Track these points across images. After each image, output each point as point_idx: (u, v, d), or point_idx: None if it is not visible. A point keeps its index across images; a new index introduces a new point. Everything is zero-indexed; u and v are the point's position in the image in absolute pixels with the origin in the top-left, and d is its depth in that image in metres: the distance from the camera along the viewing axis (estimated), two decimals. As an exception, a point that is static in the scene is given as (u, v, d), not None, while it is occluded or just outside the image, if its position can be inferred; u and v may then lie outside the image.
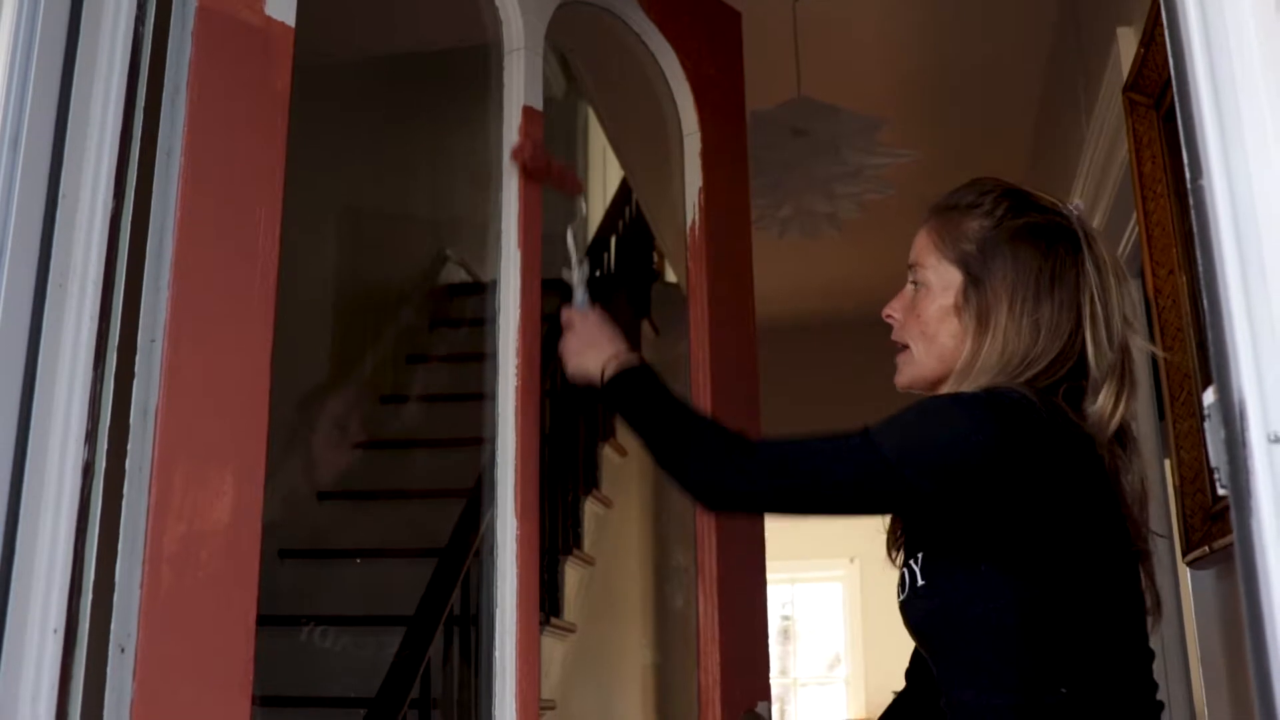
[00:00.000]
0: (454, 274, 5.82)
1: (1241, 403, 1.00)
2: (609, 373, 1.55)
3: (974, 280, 1.42)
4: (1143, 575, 1.40)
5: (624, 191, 5.65)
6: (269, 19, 1.53)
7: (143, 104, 1.41)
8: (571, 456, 4.43)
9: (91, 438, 1.28)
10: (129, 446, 1.34)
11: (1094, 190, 2.93)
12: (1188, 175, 1.07)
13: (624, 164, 4.37)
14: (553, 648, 4.09)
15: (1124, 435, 1.42)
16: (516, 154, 1.84)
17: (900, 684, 1.64)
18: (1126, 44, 2.43)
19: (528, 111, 1.91)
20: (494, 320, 1.82)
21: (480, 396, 5.73)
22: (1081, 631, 1.31)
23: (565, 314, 1.68)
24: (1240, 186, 1.04)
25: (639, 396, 1.51)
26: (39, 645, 1.19)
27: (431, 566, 3.58)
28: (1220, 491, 1.04)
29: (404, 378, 5.28)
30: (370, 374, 5.08)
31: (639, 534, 5.50)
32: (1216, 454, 1.03)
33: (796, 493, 1.35)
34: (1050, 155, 3.77)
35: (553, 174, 1.86)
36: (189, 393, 1.36)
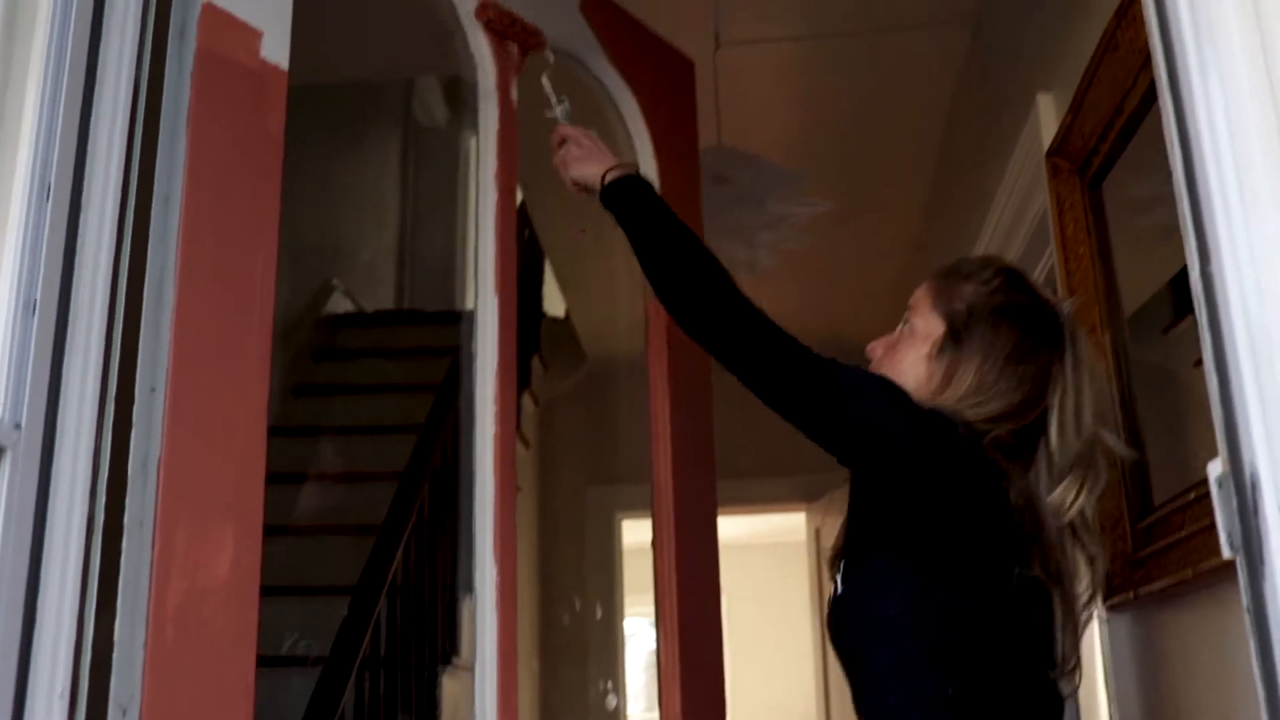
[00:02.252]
0: (340, 304, 5.73)
1: (1254, 474, 1.07)
2: (610, 178, 1.62)
3: (953, 335, 1.53)
4: (1063, 626, 1.48)
5: (521, 218, 5.64)
6: (264, 62, 1.52)
7: (139, 148, 1.38)
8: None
9: (93, 492, 1.24)
10: (127, 500, 1.30)
11: (1000, 244, 3.06)
12: (1196, 261, 1.15)
13: (529, 198, 4.37)
14: (451, 688, 4.05)
15: (1079, 524, 1.51)
16: (479, 14, 1.90)
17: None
18: (1046, 109, 2.55)
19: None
20: (470, 360, 1.81)
21: (367, 430, 5.57)
22: (970, 636, 1.39)
23: (559, 130, 1.75)
24: (1246, 270, 1.11)
25: (639, 203, 1.58)
26: (46, 712, 1.15)
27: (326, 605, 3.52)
28: (1226, 555, 1.11)
29: (290, 410, 5.17)
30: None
31: (527, 567, 5.48)
32: (1228, 521, 1.10)
33: (757, 364, 1.43)
34: (947, 208, 3.93)
35: (515, 29, 1.93)
36: (191, 443, 1.34)
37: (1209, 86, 1.11)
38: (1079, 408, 1.48)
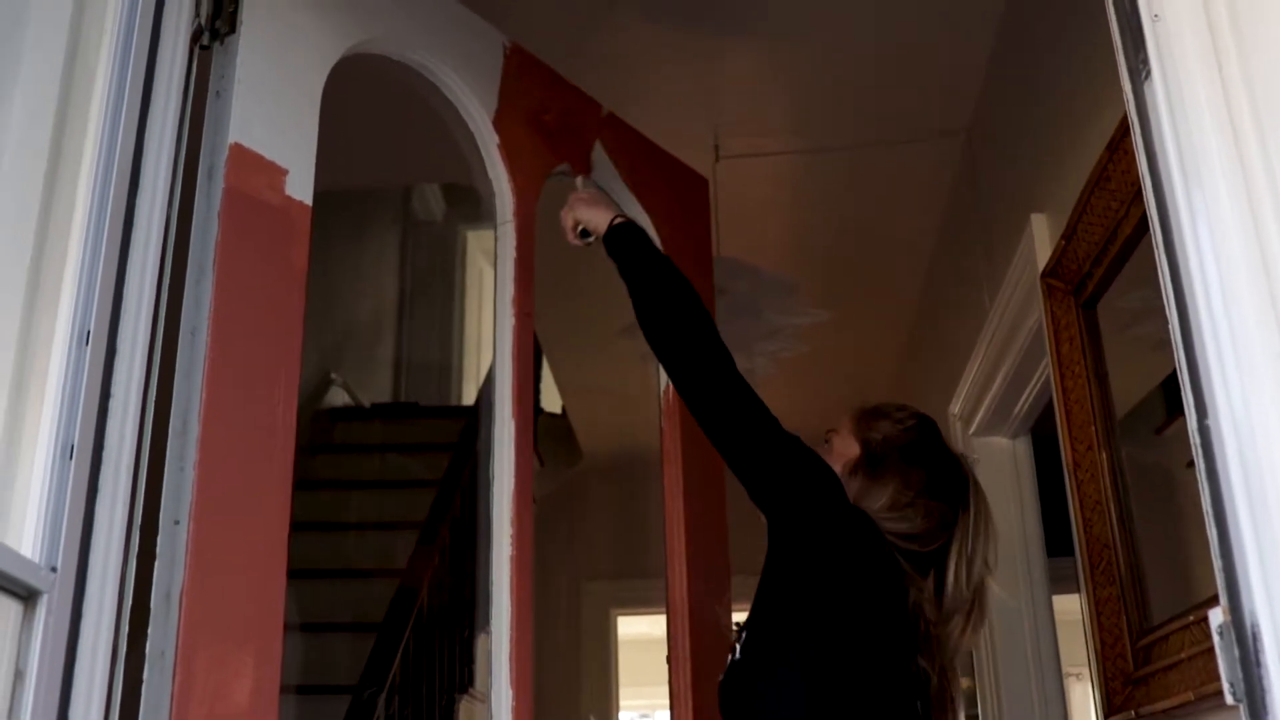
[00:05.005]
0: (337, 397, 5.77)
1: (1255, 624, 1.10)
2: (616, 224, 1.82)
3: (868, 460, 1.67)
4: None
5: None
6: (289, 198, 1.57)
7: (168, 285, 1.42)
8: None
9: (117, 624, 1.27)
10: (150, 630, 1.33)
11: (996, 355, 3.11)
12: (1193, 415, 1.19)
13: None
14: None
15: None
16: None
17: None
18: (1040, 230, 2.62)
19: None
20: (487, 488, 1.83)
21: (362, 526, 5.56)
22: (856, 708, 1.49)
23: (573, 195, 1.97)
24: (1243, 424, 1.15)
25: (641, 250, 1.78)
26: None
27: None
28: (1229, 701, 1.14)
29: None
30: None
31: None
32: (1230, 670, 1.13)
33: (729, 414, 1.59)
34: (938, 318, 4.00)
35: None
36: (213, 574, 1.36)
37: (1202, 251, 1.17)
38: (973, 555, 1.62)
